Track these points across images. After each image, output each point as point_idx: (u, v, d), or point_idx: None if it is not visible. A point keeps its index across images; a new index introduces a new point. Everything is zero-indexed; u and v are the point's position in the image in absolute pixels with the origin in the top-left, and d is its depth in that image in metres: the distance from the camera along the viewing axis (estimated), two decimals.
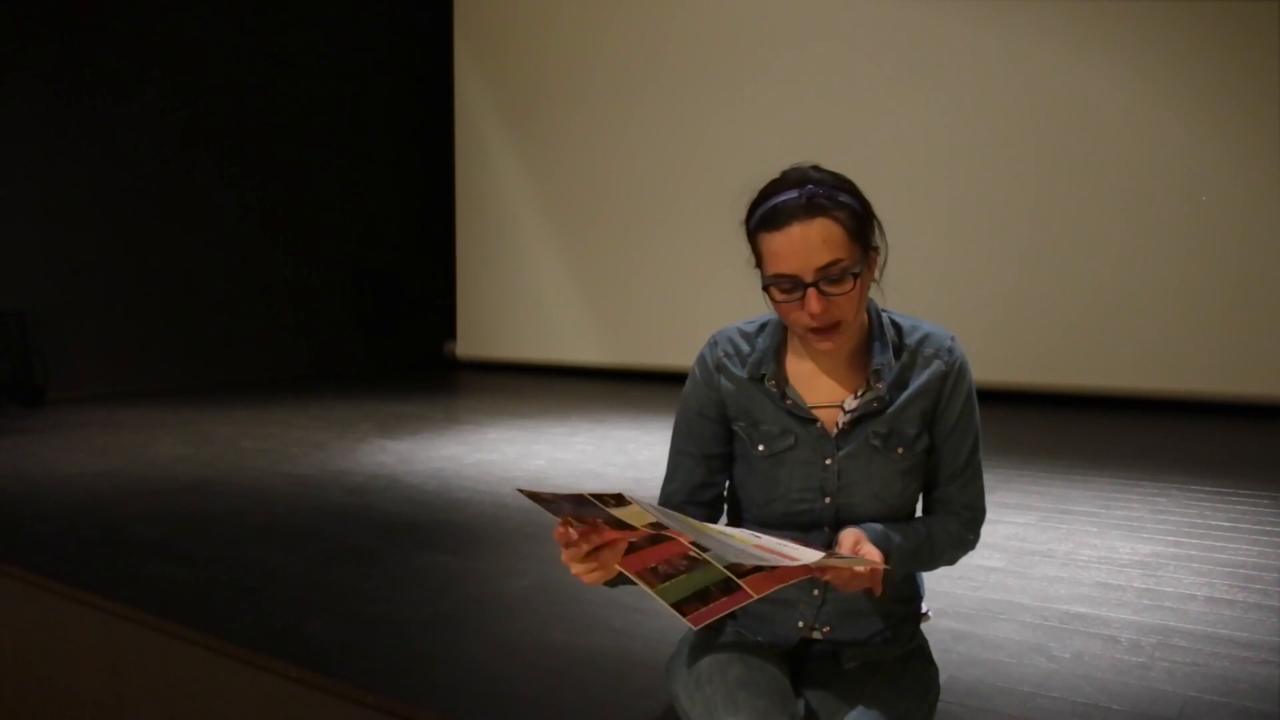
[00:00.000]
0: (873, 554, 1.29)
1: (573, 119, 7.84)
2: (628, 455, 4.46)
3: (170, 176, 7.30)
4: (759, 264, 1.40)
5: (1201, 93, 5.42)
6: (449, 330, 8.98)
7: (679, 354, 7.47)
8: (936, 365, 1.43)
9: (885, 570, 1.31)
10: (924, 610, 1.53)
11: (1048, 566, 2.68)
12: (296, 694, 1.99)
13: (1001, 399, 5.82)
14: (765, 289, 1.38)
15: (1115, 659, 2.03)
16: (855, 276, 1.33)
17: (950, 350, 1.45)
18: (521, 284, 8.22)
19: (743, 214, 1.41)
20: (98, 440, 4.99)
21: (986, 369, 5.96)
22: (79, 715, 2.50)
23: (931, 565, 1.46)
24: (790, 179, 1.35)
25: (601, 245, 7.77)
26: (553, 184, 8.04)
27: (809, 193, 1.32)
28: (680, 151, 7.22)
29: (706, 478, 1.52)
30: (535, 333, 8.17)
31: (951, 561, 1.49)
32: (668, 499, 1.54)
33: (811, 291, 1.32)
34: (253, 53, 7.80)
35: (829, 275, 1.32)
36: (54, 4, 6.60)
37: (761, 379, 1.45)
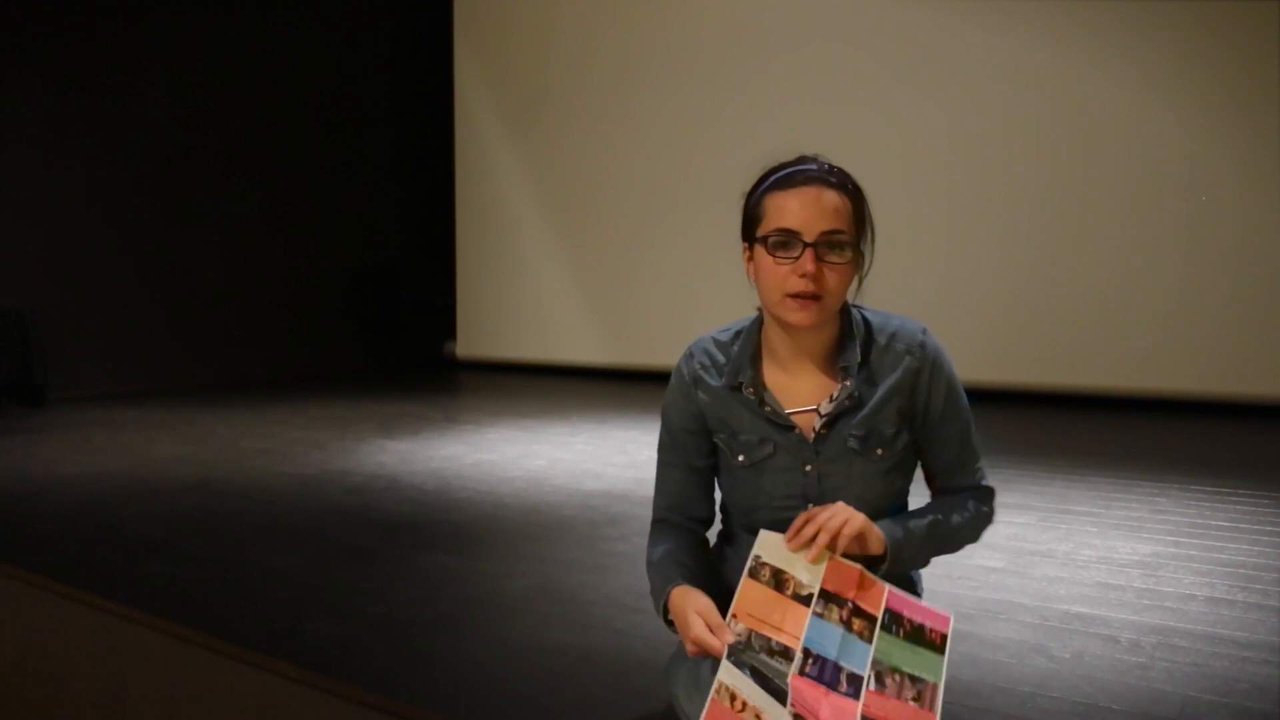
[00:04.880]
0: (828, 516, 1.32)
1: (573, 119, 7.84)
2: (628, 455, 4.46)
3: (170, 176, 7.30)
4: (752, 231, 1.41)
5: (1201, 93, 5.42)
6: (449, 330, 8.98)
7: (679, 354, 7.43)
8: (909, 361, 1.43)
9: (899, 553, 1.36)
10: None
11: (1048, 566, 2.68)
12: (296, 694, 1.99)
13: (1001, 399, 5.82)
14: (756, 244, 1.38)
15: (1115, 659, 2.03)
16: (853, 250, 1.36)
17: (922, 345, 1.44)
18: (521, 284, 8.22)
19: (746, 188, 1.44)
20: (98, 440, 4.99)
21: (987, 369, 5.99)
22: (79, 715, 2.50)
23: (955, 541, 1.45)
24: (806, 158, 1.41)
25: (601, 245, 7.77)
26: (553, 184, 8.04)
27: (828, 168, 1.38)
28: (680, 151, 7.22)
29: (697, 489, 1.53)
30: (535, 333, 8.16)
31: (975, 537, 1.48)
32: (663, 516, 1.55)
33: (810, 250, 1.33)
34: (253, 52, 7.80)
35: (830, 241, 1.34)
36: (54, 4, 6.60)
37: (739, 387, 1.45)
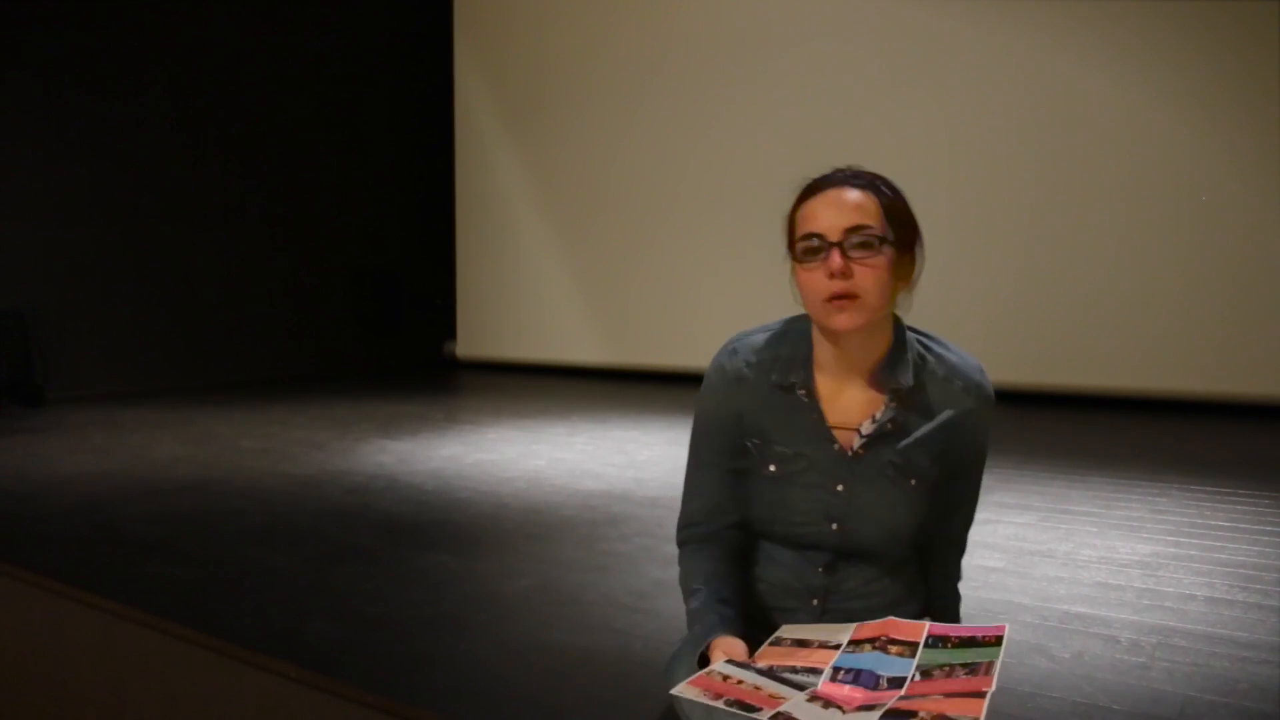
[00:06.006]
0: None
1: (573, 119, 7.84)
2: (628, 455, 4.46)
3: (170, 176, 7.29)
4: (792, 246, 1.40)
5: (1201, 93, 5.42)
6: (449, 330, 8.98)
7: (679, 354, 7.46)
8: (966, 401, 1.41)
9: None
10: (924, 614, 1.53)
11: (1048, 566, 2.68)
12: (296, 694, 1.99)
13: (1002, 399, 5.81)
14: (792, 254, 1.38)
15: (1115, 659, 2.03)
16: (883, 244, 1.34)
17: (980, 385, 1.43)
18: (521, 284, 8.22)
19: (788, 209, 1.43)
20: (98, 440, 4.99)
21: (988, 369, 5.97)
22: (79, 715, 2.50)
23: None
24: (839, 169, 1.41)
25: (601, 245, 7.77)
26: (553, 184, 8.04)
27: (855, 172, 1.39)
28: (680, 151, 7.22)
29: (733, 490, 1.46)
30: (535, 333, 8.17)
31: None
32: (698, 520, 1.47)
33: (835, 249, 1.32)
34: (253, 52, 7.80)
35: (856, 239, 1.33)
36: (54, 3, 6.60)
37: (790, 388, 1.41)
